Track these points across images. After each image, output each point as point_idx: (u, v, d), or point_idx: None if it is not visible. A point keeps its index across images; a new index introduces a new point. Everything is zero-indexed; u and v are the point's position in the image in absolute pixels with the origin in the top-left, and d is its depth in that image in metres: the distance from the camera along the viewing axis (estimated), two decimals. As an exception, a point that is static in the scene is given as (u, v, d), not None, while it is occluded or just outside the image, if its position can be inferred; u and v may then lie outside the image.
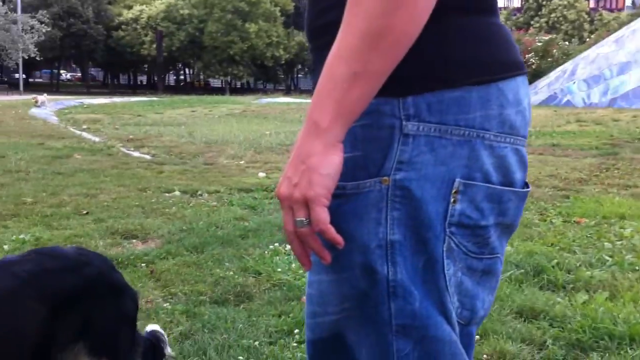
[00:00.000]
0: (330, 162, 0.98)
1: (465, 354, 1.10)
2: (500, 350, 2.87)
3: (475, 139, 1.05)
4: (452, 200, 1.04)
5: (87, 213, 5.71)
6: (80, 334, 1.89)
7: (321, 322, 1.17)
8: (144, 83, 78.86)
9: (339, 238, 1.02)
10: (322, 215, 0.99)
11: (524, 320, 3.27)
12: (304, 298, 3.57)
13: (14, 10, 46.15)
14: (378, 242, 1.05)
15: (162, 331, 2.51)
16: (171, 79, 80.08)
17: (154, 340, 2.37)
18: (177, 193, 6.87)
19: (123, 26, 61.29)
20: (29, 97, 31.49)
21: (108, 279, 2.00)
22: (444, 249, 1.06)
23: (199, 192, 6.94)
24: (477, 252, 1.10)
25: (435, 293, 1.06)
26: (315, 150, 0.98)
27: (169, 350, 2.46)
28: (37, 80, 75.44)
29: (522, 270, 3.94)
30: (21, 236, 4.70)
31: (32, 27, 45.47)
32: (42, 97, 25.29)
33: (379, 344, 1.08)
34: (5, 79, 65.52)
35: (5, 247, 4.44)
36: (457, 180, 1.04)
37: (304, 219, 1.00)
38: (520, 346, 2.96)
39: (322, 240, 1.03)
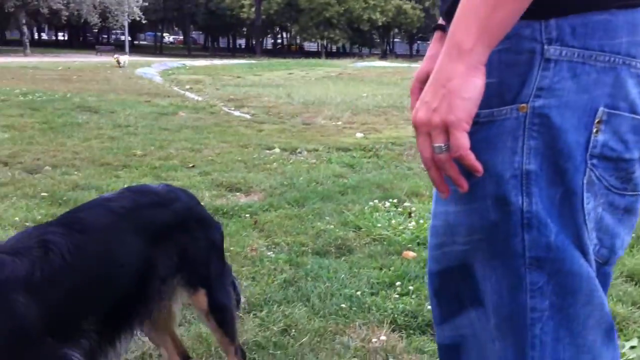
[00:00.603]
0: (472, 85, 0.95)
1: (603, 291, 1.06)
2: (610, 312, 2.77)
3: (621, 67, 0.99)
4: (594, 130, 0.99)
5: (193, 166, 5.90)
6: (177, 266, 1.97)
7: (448, 252, 1.15)
8: (243, 46, 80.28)
9: (478, 165, 0.98)
10: (463, 140, 0.95)
11: (635, 284, 3.15)
12: (406, 253, 3.58)
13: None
14: (513, 171, 1.01)
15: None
16: (268, 42, 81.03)
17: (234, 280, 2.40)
18: (277, 150, 6.98)
19: (224, -11, 62.25)
20: (134, 58, 32.69)
21: (196, 213, 2.07)
22: (584, 181, 1.00)
23: (298, 150, 7.03)
24: (619, 188, 1.04)
25: (572, 227, 1.01)
26: (457, 72, 0.95)
27: (242, 298, 2.48)
28: (141, 42, 78.17)
29: (634, 235, 3.77)
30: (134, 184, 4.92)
31: (137, -10, 46.94)
32: (124, 58, 26.32)
33: (509, 277, 1.05)
34: (112, 40, 68.24)
35: (118, 194, 4.67)
36: (601, 109, 0.98)
37: (443, 145, 0.97)
38: (631, 309, 2.85)
39: (460, 168, 1.00)
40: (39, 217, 4.02)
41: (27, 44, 41.48)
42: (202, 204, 2.22)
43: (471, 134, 1.00)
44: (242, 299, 2.53)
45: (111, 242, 1.81)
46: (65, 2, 42.73)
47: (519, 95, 1.01)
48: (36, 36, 69.08)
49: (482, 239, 1.07)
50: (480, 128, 1.02)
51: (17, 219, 3.99)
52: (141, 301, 1.91)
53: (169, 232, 1.96)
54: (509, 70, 1.01)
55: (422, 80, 1.09)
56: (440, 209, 1.16)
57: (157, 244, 1.91)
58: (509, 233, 1.03)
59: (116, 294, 1.82)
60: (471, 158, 0.97)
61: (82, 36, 71.29)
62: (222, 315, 2.08)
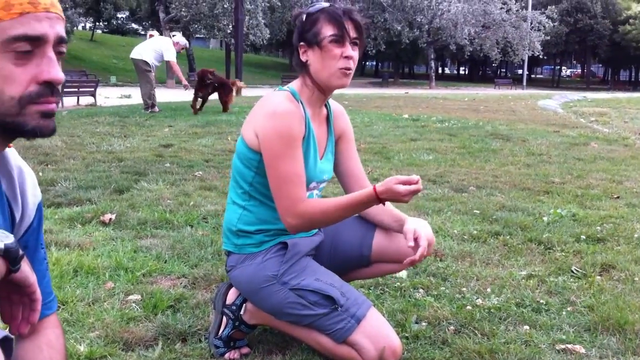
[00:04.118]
0: None
1: None
2: None
3: None
4: None
5: (617, 197, 5.66)
6: None
7: None
8: (647, 80, 74.26)
9: None
10: None
11: None
12: None
13: (525, 7, 48.28)
14: None
15: None
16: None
17: None
18: None
19: (630, 20, 58.66)
20: (532, 91, 32.65)
21: None
22: None
23: None
24: None
25: None
26: None
27: None
28: (538, 76, 77.92)
29: None
30: (558, 210, 4.93)
31: (539, 24, 46.96)
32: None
33: None
34: (509, 74, 69.37)
35: (545, 218, 4.73)
36: None
37: None
38: None
39: None
40: (475, 231, 4.30)
41: (433, 76, 44.71)
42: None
43: None
44: None
45: None
46: (470, 38, 44.94)
47: None
48: (439, 70, 73.94)
49: None
50: None
51: (455, 231, 4.33)
52: None
53: None
54: None
55: None
56: None
57: None
58: None
59: None
60: None
61: (482, 70, 73.97)
62: None
